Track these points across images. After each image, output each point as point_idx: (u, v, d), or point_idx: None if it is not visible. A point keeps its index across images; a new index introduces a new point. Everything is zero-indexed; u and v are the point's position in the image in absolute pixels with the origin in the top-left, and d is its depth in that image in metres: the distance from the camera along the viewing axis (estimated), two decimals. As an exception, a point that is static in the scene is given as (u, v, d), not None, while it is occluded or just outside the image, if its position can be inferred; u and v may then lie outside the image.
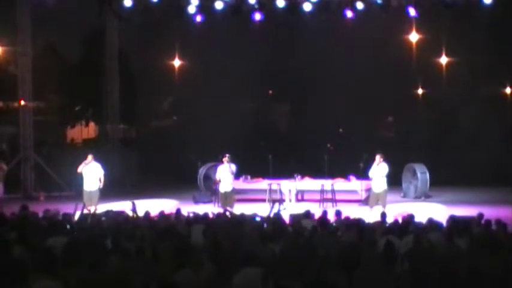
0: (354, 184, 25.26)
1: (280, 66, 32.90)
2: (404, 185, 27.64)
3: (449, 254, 9.96)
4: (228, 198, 21.97)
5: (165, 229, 12.86)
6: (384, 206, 20.37)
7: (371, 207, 20.92)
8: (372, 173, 21.11)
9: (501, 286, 8.24)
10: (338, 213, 15.82)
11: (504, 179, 22.94)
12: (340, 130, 35.41)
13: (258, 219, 15.35)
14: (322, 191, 24.79)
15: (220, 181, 22.22)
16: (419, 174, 26.77)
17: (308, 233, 12.71)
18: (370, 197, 21.86)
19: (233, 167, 22.17)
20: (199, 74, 33.17)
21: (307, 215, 15.58)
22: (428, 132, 32.16)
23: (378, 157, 20.96)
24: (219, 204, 22.46)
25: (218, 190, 22.83)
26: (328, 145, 26.90)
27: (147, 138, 37.84)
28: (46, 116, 37.53)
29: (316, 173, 26.25)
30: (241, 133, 31.26)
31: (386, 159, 21.10)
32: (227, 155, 22.15)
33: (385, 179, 20.98)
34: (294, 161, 27.97)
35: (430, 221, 14.03)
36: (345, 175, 25.69)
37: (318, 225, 13.80)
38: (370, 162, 21.59)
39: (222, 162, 22.24)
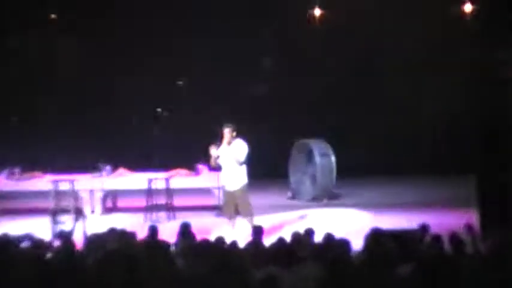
0: (204, 179, 17.56)
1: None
2: (293, 177, 18.77)
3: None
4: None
5: None
6: (251, 216, 13.66)
7: (229, 218, 14.09)
8: (217, 159, 14.04)
9: None
10: (185, 227, 11.08)
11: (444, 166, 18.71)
12: (180, 82, 24.58)
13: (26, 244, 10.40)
14: (149, 192, 17.31)
15: None
16: (318, 158, 18.26)
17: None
18: (223, 202, 15.16)
19: None
20: None
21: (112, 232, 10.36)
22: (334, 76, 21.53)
23: (226, 131, 13.90)
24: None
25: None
26: (159, 109, 19.35)
27: None
28: None
29: (140, 161, 19.35)
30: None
31: (243, 133, 14.01)
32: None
33: (243, 168, 13.81)
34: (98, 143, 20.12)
35: (329, 238, 9.62)
36: (190, 164, 17.91)
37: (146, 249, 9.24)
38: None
39: None
